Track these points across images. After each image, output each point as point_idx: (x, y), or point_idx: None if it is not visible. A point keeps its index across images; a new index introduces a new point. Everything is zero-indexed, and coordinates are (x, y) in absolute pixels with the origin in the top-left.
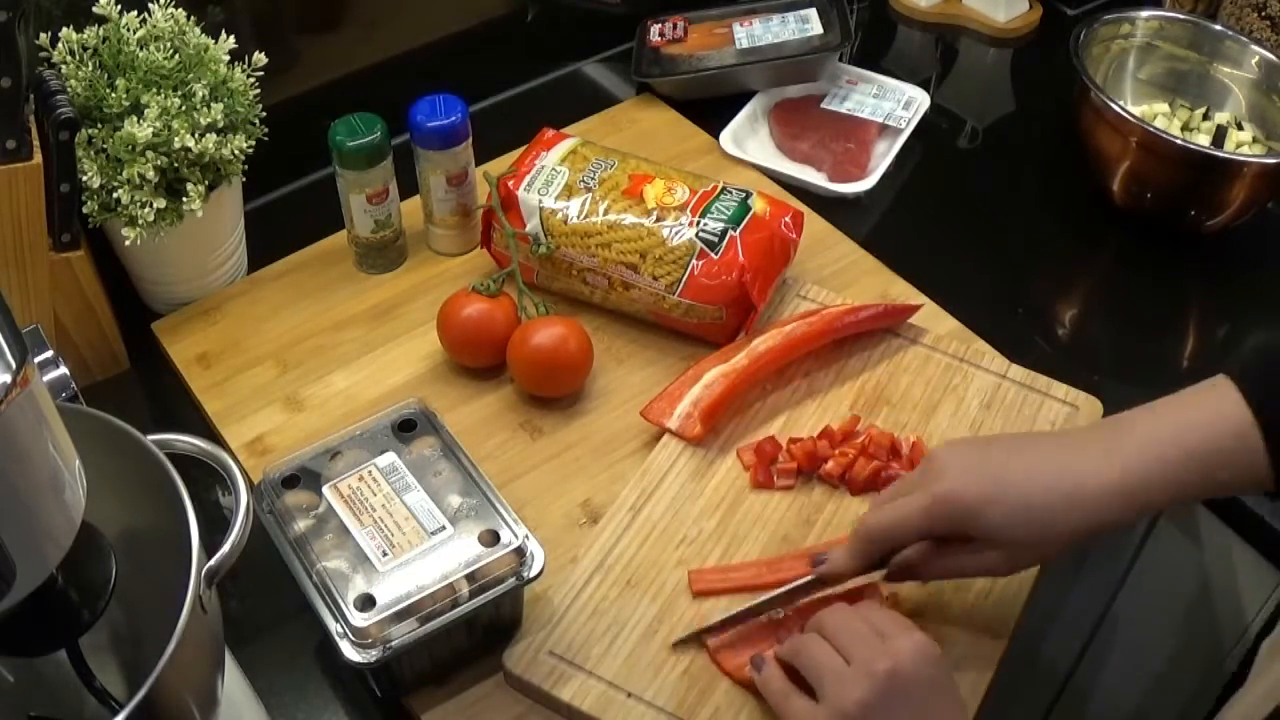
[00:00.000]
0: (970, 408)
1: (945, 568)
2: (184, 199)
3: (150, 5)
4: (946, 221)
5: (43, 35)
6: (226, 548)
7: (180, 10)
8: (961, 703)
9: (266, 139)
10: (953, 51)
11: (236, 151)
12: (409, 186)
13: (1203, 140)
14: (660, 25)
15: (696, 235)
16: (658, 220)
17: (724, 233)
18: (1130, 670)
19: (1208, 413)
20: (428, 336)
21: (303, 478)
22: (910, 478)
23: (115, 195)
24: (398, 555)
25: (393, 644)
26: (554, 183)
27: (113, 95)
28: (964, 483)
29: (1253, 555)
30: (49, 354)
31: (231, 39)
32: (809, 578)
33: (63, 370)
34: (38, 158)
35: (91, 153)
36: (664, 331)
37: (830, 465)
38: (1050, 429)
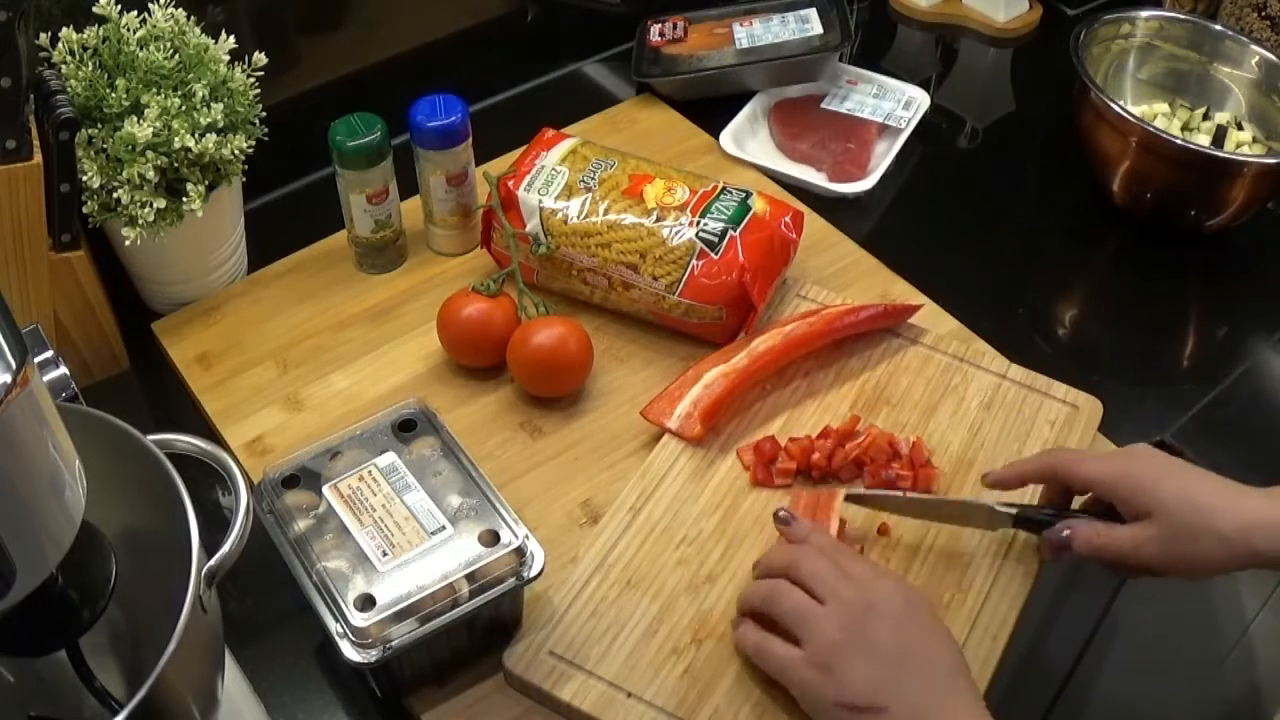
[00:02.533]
0: (970, 408)
1: (1098, 535)
2: (184, 199)
3: (150, 5)
4: (946, 221)
5: (43, 35)
6: (226, 548)
7: (180, 10)
8: (945, 629)
9: (266, 139)
10: (953, 51)
11: (236, 151)
12: (409, 186)
13: (1203, 140)
14: (660, 25)
15: (696, 235)
16: (658, 220)
17: (724, 233)
18: (1130, 670)
19: None
20: (428, 336)
21: (303, 478)
22: (1106, 450)
23: (115, 195)
24: (398, 555)
25: (393, 644)
26: (554, 183)
27: (113, 95)
28: (1156, 462)
29: None
30: (49, 354)
31: (231, 39)
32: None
33: (63, 370)
34: (38, 158)
35: (91, 153)
36: (664, 331)
37: (817, 457)
38: (1050, 429)
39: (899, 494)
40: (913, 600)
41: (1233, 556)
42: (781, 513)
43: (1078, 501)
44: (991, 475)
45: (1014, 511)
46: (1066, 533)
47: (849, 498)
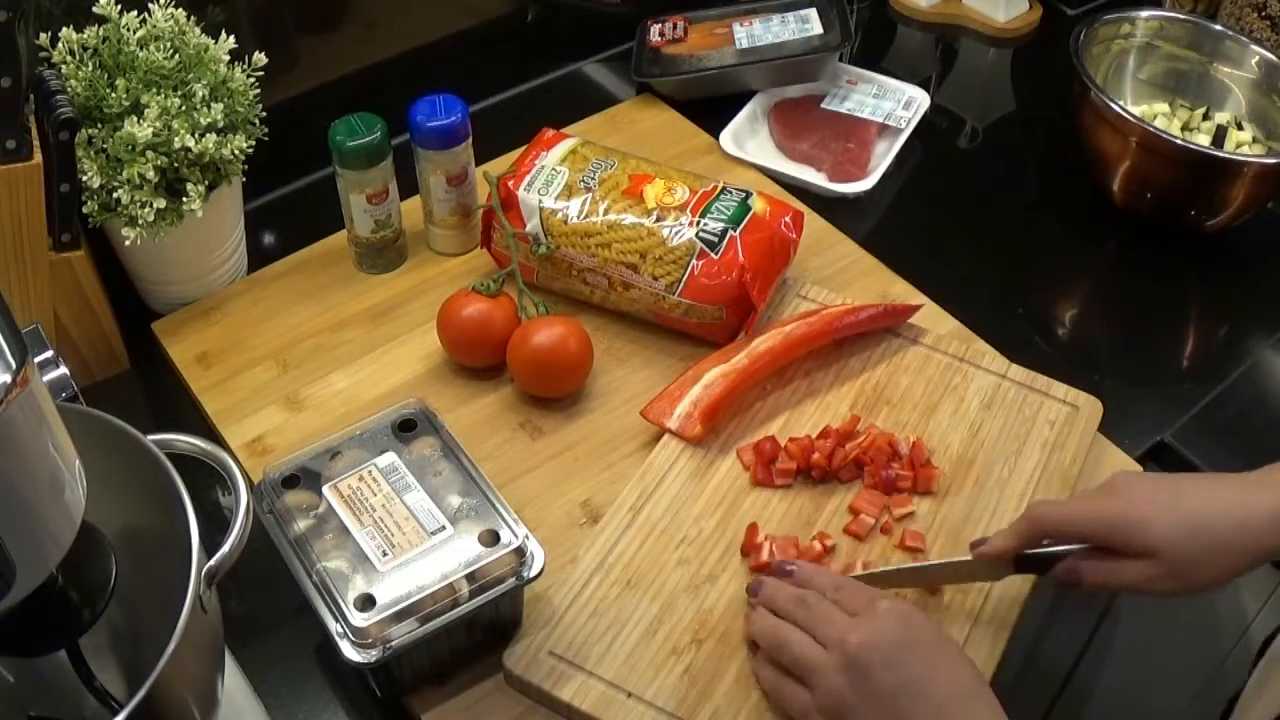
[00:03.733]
0: (970, 408)
1: (1108, 574)
2: (184, 199)
3: (150, 5)
4: (946, 221)
5: (43, 35)
6: (226, 548)
7: (180, 10)
8: (956, 651)
9: (266, 139)
10: (953, 51)
11: (236, 151)
12: (409, 186)
13: (1203, 140)
14: (660, 25)
15: (696, 235)
16: (658, 220)
17: (724, 233)
18: (1130, 670)
19: None
20: (428, 336)
21: (303, 478)
22: (1088, 491)
23: (115, 195)
24: (398, 555)
25: (393, 644)
26: (554, 183)
27: (113, 95)
28: (1140, 494)
29: None
30: (49, 354)
31: (231, 39)
32: (965, 557)
33: (63, 370)
34: (38, 158)
35: (91, 153)
36: (664, 331)
37: (817, 456)
38: (1050, 429)
39: (900, 568)
40: (914, 629)
41: (1248, 563)
42: (788, 566)
43: None
44: (979, 549)
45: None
46: (1073, 573)
47: (857, 577)
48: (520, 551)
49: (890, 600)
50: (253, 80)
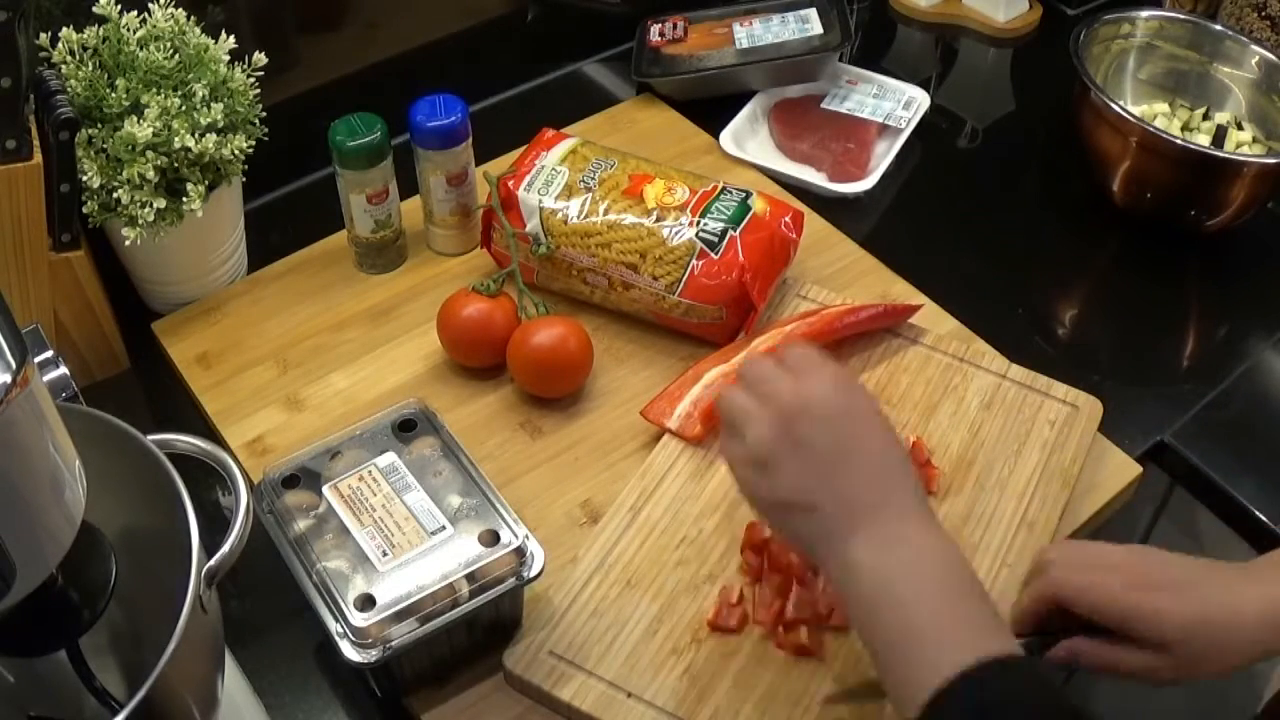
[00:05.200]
0: (970, 408)
1: (1110, 659)
2: (184, 199)
3: (150, 5)
4: (946, 221)
5: (43, 35)
6: (226, 548)
7: (180, 10)
8: (886, 423)
9: (266, 139)
10: (953, 51)
11: (236, 151)
12: (409, 186)
13: (1203, 140)
14: (660, 25)
15: (696, 235)
16: (658, 220)
17: (724, 233)
18: None
19: None
20: (428, 336)
21: (303, 478)
22: (1105, 551)
23: (115, 195)
24: (398, 555)
25: (393, 644)
26: (554, 183)
27: (113, 95)
28: (1149, 577)
29: (1252, 554)
30: (49, 354)
31: (231, 39)
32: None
33: (63, 370)
34: (38, 158)
35: (91, 153)
36: (664, 331)
37: None
38: (1050, 429)
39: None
40: (855, 399)
41: (1255, 657)
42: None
43: None
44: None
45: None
46: (1073, 656)
47: (829, 698)
48: (520, 551)
49: (837, 366)
50: (253, 80)
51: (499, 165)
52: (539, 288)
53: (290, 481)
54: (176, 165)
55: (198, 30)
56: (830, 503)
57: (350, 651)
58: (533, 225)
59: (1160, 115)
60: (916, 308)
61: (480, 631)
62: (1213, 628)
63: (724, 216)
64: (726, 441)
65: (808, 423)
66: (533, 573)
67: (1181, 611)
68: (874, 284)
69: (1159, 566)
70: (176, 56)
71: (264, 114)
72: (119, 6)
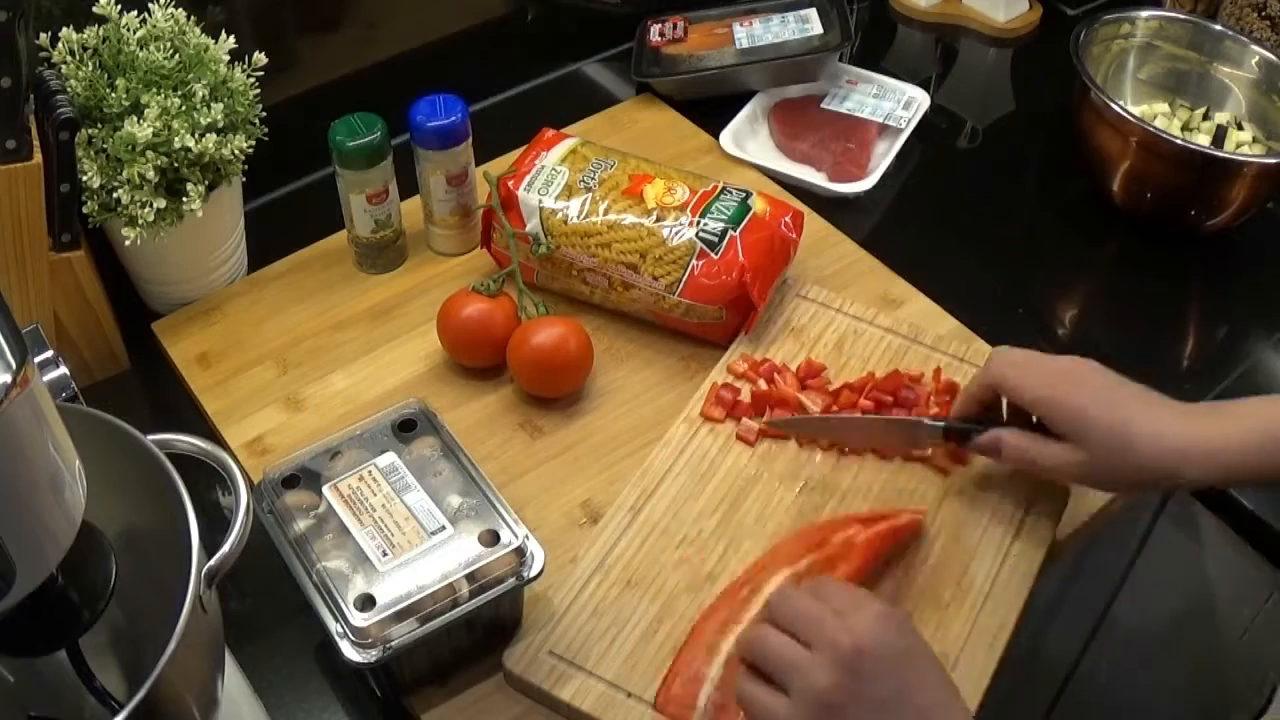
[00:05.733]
0: None
1: (1028, 450)
2: (184, 199)
3: (150, 5)
4: (946, 221)
5: (43, 35)
6: (226, 548)
7: (180, 10)
8: (938, 663)
9: (266, 139)
10: (953, 51)
11: (236, 151)
12: (409, 186)
13: (1203, 140)
14: (660, 25)
15: (696, 235)
16: (658, 220)
17: (724, 233)
18: (1130, 670)
19: None
20: (428, 336)
21: (303, 478)
22: (1047, 359)
23: (115, 195)
24: (398, 555)
25: (393, 644)
26: (554, 183)
27: (113, 95)
28: (1085, 378)
29: (1253, 555)
30: (49, 354)
31: (231, 39)
32: (908, 418)
33: (63, 370)
34: (38, 158)
35: (91, 153)
36: (664, 331)
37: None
38: None
39: (824, 417)
40: (905, 636)
41: (1155, 482)
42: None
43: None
44: (950, 417)
45: (942, 425)
46: (996, 443)
47: (770, 423)
48: (520, 551)
49: (882, 603)
50: (253, 80)
51: (499, 165)
52: (539, 288)
53: (290, 481)
54: (176, 165)
55: (198, 30)
56: None
57: (350, 651)
58: (533, 225)
59: (1160, 115)
60: (917, 522)
61: (480, 631)
62: (1130, 438)
63: (724, 216)
64: (760, 695)
65: (867, 668)
66: (533, 573)
67: (1104, 415)
68: (874, 284)
69: (1096, 374)
70: (176, 56)
71: (264, 114)
72: (119, 6)
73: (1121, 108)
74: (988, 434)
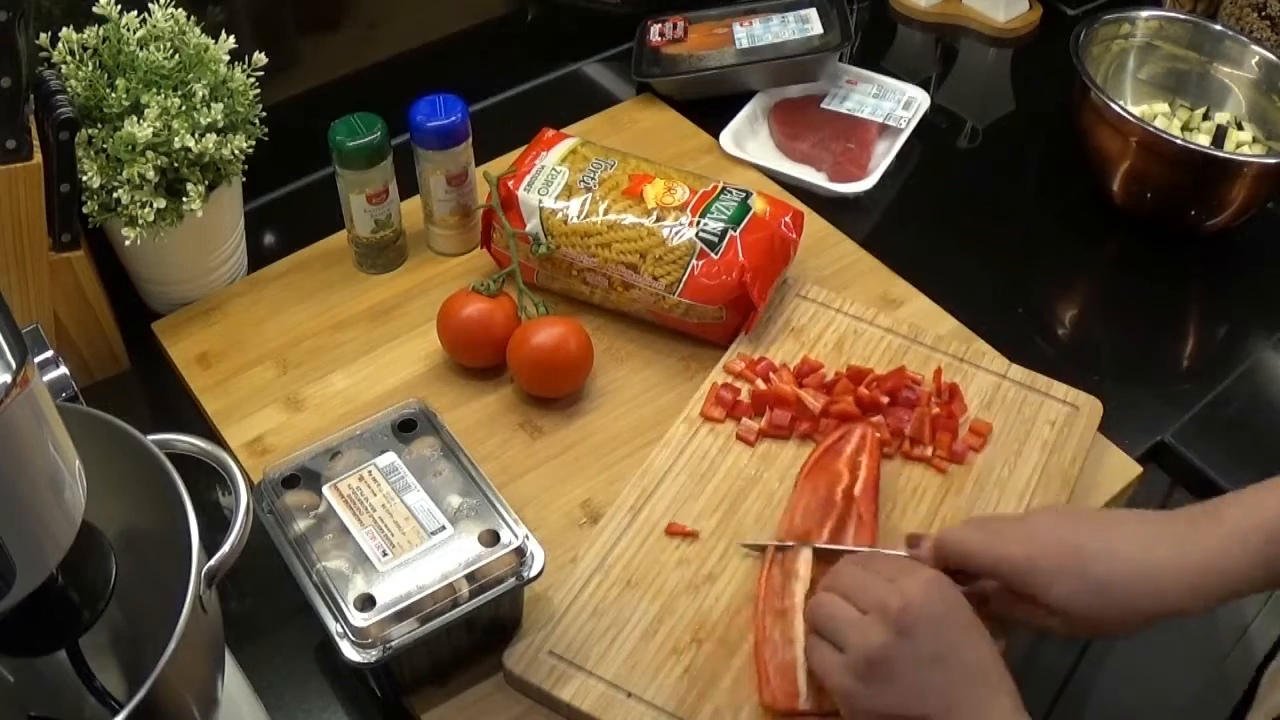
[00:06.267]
0: (970, 408)
1: (1012, 609)
2: (184, 199)
3: (150, 5)
4: (946, 221)
5: (43, 35)
6: (226, 548)
7: (180, 10)
8: (982, 627)
9: (266, 139)
10: (953, 51)
11: (236, 151)
12: (409, 186)
13: (1203, 140)
14: (660, 25)
15: (696, 235)
16: (658, 220)
17: (724, 233)
18: (1130, 670)
19: None
20: (428, 336)
21: (303, 478)
22: (1006, 518)
23: (115, 195)
24: (398, 555)
25: (393, 644)
26: (554, 183)
27: (113, 95)
28: (1047, 546)
29: None
30: (49, 354)
31: (231, 39)
32: (901, 552)
33: (63, 370)
34: (38, 158)
35: (91, 153)
36: (664, 331)
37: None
38: (1050, 429)
39: (804, 543)
40: (950, 599)
41: (1162, 615)
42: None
43: None
44: (912, 549)
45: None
46: (983, 598)
47: (745, 544)
48: (520, 551)
49: (929, 569)
50: (253, 80)
51: (499, 165)
52: (539, 288)
53: (290, 481)
54: (176, 165)
55: (198, 30)
56: (939, 709)
57: (350, 651)
58: (533, 225)
59: (1160, 115)
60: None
61: (480, 631)
62: (1103, 589)
63: (724, 216)
64: (821, 652)
65: (915, 626)
66: (533, 573)
67: (1070, 581)
68: (874, 284)
69: (1070, 530)
70: (176, 56)
71: (264, 114)
72: (119, 6)
73: (1121, 108)
74: (974, 589)
